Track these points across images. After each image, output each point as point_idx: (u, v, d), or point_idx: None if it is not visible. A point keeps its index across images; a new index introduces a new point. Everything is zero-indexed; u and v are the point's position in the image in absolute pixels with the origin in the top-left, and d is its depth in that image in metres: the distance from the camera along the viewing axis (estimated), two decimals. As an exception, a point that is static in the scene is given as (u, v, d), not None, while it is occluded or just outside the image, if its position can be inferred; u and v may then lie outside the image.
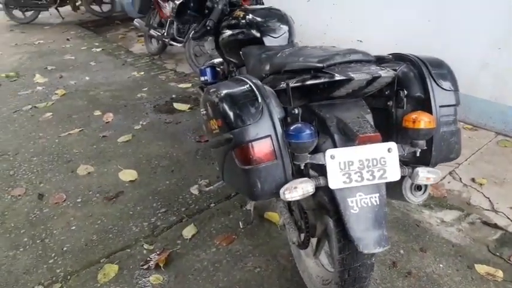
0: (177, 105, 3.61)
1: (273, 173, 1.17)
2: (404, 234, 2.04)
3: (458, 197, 2.36)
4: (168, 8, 4.68)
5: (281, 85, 1.33)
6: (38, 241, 2.06)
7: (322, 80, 1.18)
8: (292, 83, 1.25)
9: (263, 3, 2.38)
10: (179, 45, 4.55)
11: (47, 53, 5.39)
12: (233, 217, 2.19)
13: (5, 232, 2.13)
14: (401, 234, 2.04)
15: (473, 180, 2.49)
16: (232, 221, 2.16)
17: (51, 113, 3.53)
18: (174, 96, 3.88)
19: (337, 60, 1.22)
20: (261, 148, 1.16)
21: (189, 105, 3.61)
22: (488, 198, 2.33)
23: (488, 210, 2.23)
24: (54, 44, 5.84)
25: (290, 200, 1.15)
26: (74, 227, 2.15)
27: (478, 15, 2.90)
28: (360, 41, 3.83)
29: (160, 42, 5.01)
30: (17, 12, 6.98)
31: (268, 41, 1.91)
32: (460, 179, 2.51)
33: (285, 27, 1.96)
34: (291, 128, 1.14)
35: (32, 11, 7.07)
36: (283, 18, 1.99)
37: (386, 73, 1.17)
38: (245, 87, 1.25)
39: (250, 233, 2.07)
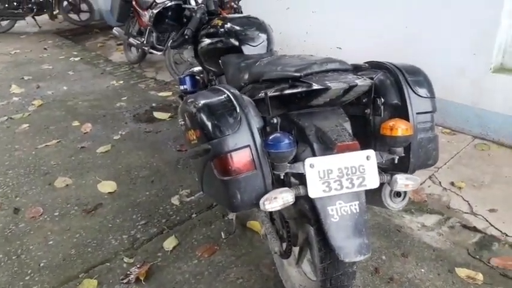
0: (157, 114, 3.58)
1: (252, 183, 1.16)
2: (386, 239, 2.05)
3: (438, 201, 2.38)
4: (147, 17, 4.65)
5: (259, 94, 1.32)
6: (13, 257, 2.00)
7: (299, 90, 1.18)
8: (271, 93, 1.25)
9: (242, 12, 2.39)
10: (159, 53, 4.52)
11: (24, 63, 5.29)
12: (215, 227, 2.17)
13: (-22, 249, 2.06)
14: (383, 240, 2.05)
15: (452, 184, 2.52)
16: (214, 232, 2.14)
17: (27, 124, 3.45)
18: (154, 105, 3.85)
19: (314, 69, 1.22)
20: (240, 158, 1.15)
21: (169, 114, 3.58)
22: (467, 201, 2.36)
23: (467, 213, 2.26)
24: (31, 54, 5.74)
25: (270, 210, 1.14)
26: (51, 242, 2.09)
27: (453, 22, 2.96)
28: (339, 48, 3.87)
29: (139, 50, 4.97)
30: (-7, 22, 6.86)
31: (247, 49, 1.91)
32: (440, 183, 2.54)
33: (263, 36, 1.96)
34: (270, 137, 1.14)
35: (8, 20, 6.95)
36: (261, 27, 1.99)
37: (362, 82, 1.18)
38: (223, 97, 1.24)
39: (233, 243, 2.05)
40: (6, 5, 6.66)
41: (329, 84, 1.13)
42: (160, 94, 4.14)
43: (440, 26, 3.04)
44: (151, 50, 4.60)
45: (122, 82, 4.53)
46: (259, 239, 2.07)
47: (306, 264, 1.69)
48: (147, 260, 1.95)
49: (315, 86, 1.14)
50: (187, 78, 2.31)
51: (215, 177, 1.20)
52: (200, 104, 1.24)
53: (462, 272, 1.84)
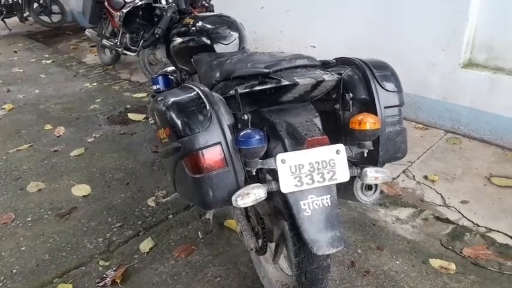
0: (132, 116, 3.54)
1: (224, 180, 1.16)
2: (361, 233, 2.08)
3: (412, 194, 2.43)
4: (118, 18, 4.59)
5: (230, 92, 1.32)
6: (-16, 265, 1.95)
7: (269, 86, 1.19)
8: (241, 89, 1.25)
9: (213, 11, 2.38)
10: (133, 54, 4.47)
11: (-7, 67, 5.15)
12: (192, 227, 2.16)
13: None
14: (358, 233, 2.08)
15: (425, 177, 2.57)
16: (191, 232, 2.13)
17: (-3, 129, 3.36)
18: (128, 106, 3.80)
19: (283, 65, 1.23)
20: (211, 156, 1.15)
21: (144, 115, 3.54)
22: (440, 194, 2.41)
23: (440, 205, 2.31)
24: (1, 57, 5.59)
25: (243, 206, 1.14)
26: (24, 248, 2.05)
27: (423, 18, 3.02)
28: (313, 46, 3.90)
29: (113, 52, 4.90)
30: (-40, 25, 6.66)
31: (218, 48, 1.91)
32: (414, 176, 2.59)
33: (235, 34, 1.96)
34: (241, 134, 1.14)
35: (-24, 23, 6.76)
36: (233, 25, 1.99)
37: (330, 77, 1.19)
38: (192, 94, 1.24)
39: (210, 242, 2.05)
40: (-26, 8, 6.49)
41: (297, 80, 1.14)
42: (135, 95, 4.09)
43: (411, 23, 3.10)
44: (125, 51, 4.55)
45: (95, 84, 4.45)
46: (236, 237, 2.06)
47: (282, 261, 1.70)
48: (123, 263, 1.92)
49: (284, 82, 1.15)
50: (160, 78, 2.29)
51: (187, 175, 1.19)
52: (169, 102, 1.23)
53: (436, 263, 1.88)
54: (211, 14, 2.25)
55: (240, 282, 1.81)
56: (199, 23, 1.99)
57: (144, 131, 3.28)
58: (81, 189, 2.50)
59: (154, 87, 2.29)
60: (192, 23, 2.03)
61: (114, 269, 1.88)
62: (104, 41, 4.84)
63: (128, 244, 2.05)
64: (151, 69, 4.34)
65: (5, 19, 6.84)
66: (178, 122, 1.17)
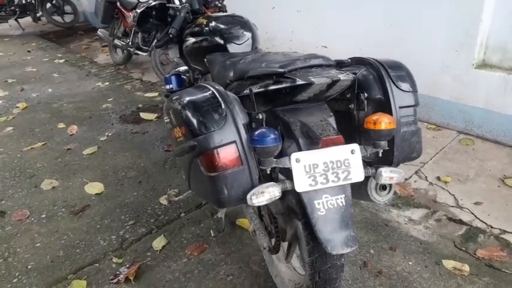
0: (144, 115, 3.56)
1: (239, 178, 1.17)
2: (374, 234, 2.07)
3: (425, 195, 2.41)
4: (132, 18, 4.63)
5: (245, 91, 1.33)
6: (0, 260, 1.97)
7: (284, 85, 1.19)
8: (255, 89, 1.25)
9: (226, 11, 2.39)
10: (144, 54, 4.51)
11: (7, 66, 5.22)
12: (204, 226, 2.17)
13: (-36, 253, 2.03)
14: (370, 234, 2.07)
15: (438, 178, 2.56)
16: (203, 230, 2.14)
17: (12, 127, 3.41)
18: (140, 105, 3.83)
19: (298, 65, 1.24)
20: (226, 154, 1.16)
21: (156, 115, 3.57)
22: (453, 195, 2.39)
23: (453, 206, 2.30)
24: (15, 56, 5.67)
25: (257, 205, 1.15)
26: (38, 244, 2.08)
27: (436, 19, 3.00)
28: (325, 46, 3.90)
29: (125, 51, 4.95)
30: (-25, 25, 6.76)
31: (232, 47, 1.91)
32: (426, 177, 2.57)
33: (248, 34, 1.96)
34: (256, 133, 1.15)
35: (-10, 23, 6.86)
36: (246, 25, 2.00)
37: (345, 76, 1.19)
38: (208, 93, 1.25)
39: (222, 241, 2.06)
40: (-11, 8, 6.58)
41: (312, 79, 1.14)
42: (147, 95, 4.12)
43: (424, 24, 3.08)
44: (137, 51, 4.59)
45: (107, 84, 4.50)
46: (248, 237, 2.07)
47: (295, 260, 1.70)
48: (136, 260, 1.94)
49: (299, 82, 1.16)
50: (173, 78, 2.31)
51: (202, 174, 1.20)
52: (185, 101, 1.24)
53: (449, 264, 1.87)
54: (224, 14, 2.26)
55: (252, 281, 1.82)
56: (213, 23, 2.00)
57: (156, 130, 3.30)
58: (94, 187, 2.53)
59: (168, 86, 2.31)
60: (205, 23, 2.04)
61: (127, 266, 1.90)
62: (116, 41, 4.88)
63: (141, 241, 2.07)
64: (163, 69, 4.37)
65: (18, 19, 6.93)
66: (194, 121, 1.18)
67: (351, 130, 1.39)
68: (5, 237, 2.13)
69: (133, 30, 4.60)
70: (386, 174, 1.26)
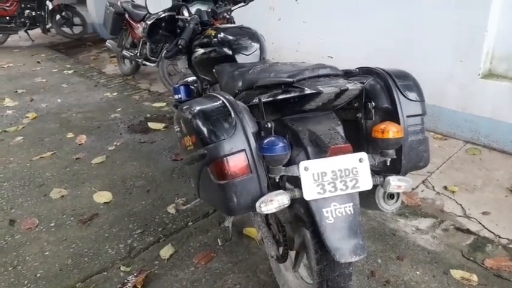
0: (152, 125, 3.60)
1: (248, 186, 1.18)
2: (381, 243, 2.07)
3: (432, 205, 2.41)
4: (140, 29, 4.69)
5: (254, 100, 1.35)
6: (9, 268, 1.99)
7: (292, 94, 1.21)
8: (264, 98, 1.27)
9: (234, 23, 2.42)
10: (152, 65, 4.56)
11: (17, 76, 5.30)
12: (211, 235, 2.18)
13: (-26, 261, 2.05)
14: (378, 243, 2.07)
15: (445, 188, 2.55)
16: (210, 239, 2.15)
17: (22, 137, 3.45)
18: (148, 115, 3.87)
19: (306, 75, 1.26)
20: (236, 162, 1.18)
21: (163, 124, 3.60)
22: (460, 204, 2.39)
23: (460, 216, 2.29)
24: (24, 67, 5.75)
25: (266, 212, 1.16)
26: (47, 252, 2.09)
27: (441, 30, 3.02)
28: (331, 57, 3.93)
29: (133, 62, 5.01)
30: (-15, 36, 6.87)
31: (240, 58, 1.94)
32: (433, 187, 2.57)
33: (256, 45, 1.99)
34: (265, 141, 1.16)
35: (1, 35, 6.97)
36: (254, 36, 2.03)
37: (353, 86, 1.21)
38: (218, 103, 1.27)
39: (229, 250, 2.06)
40: (-1, 20, 6.69)
41: (321, 89, 1.16)
42: (155, 105, 4.16)
43: (429, 34, 3.11)
44: (145, 62, 4.65)
45: (115, 94, 4.55)
46: (255, 246, 2.08)
47: (302, 269, 1.70)
48: (144, 268, 1.95)
49: (307, 91, 1.18)
50: (182, 88, 2.34)
51: (211, 182, 1.22)
52: (195, 110, 1.27)
53: (457, 274, 1.86)
54: (233, 25, 2.30)
55: (260, 289, 1.82)
56: (221, 34, 2.03)
57: (164, 140, 3.33)
58: (102, 196, 2.55)
59: (176, 96, 2.33)
60: (214, 34, 2.07)
61: (135, 274, 1.91)
62: (124, 52, 4.95)
63: (149, 250, 2.08)
64: (170, 79, 4.42)
65: (28, 30, 7.03)
66: (204, 130, 1.20)
67: (359, 139, 1.40)
68: (14, 245, 2.15)
69: (141, 41, 4.66)
70: (395, 182, 1.27)
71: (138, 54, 4.71)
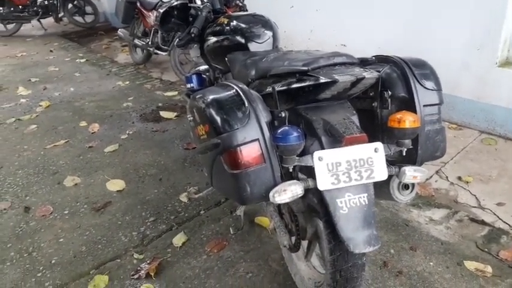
0: (164, 114, 3.60)
1: (262, 176, 1.18)
2: (394, 233, 2.06)
3: (446, 195, 2.38)
4: (152, 18, 4.68)
5: (267, 89, 1.34)
6: (25, 255, 2.02)
7: (307, 83, 1.20)
8: (278, 87, 1.26)
9: (247, 10, 2.40)
10: (164, 53, 4.55)
11: (30, 65, 5.33)
12: (223, 223, 2.18)
13: (-10, 247, 2.09)
14: (391, 234, 2.06)
15: (459, 178, 2.52)
16: (222, 228, 2.15)
17: (35, 125, 3.48)
18: (160, 104, 3.87)
19: (321, 63, 1.24)
20: (249, 152, 1.17)
21: (175, 113, 3.60)
22: (474, 195, 2.36)
23: (475, 207, 2.26)
24: (37, 56, 5.78)
25: (280, 202, 1.15)
26: (61, 239, 2.12)
27: (457, 17, 2.96)
28: (344, 45, 3.88)
29: (145, 51, 5.00)
30: (-1, 25, 6.92)
31: (253, 46, 1.92)
32: (447, 177, 2.54)
33: (269, 33, 1.97)
34: (279, 131, 1.15)
35: (14, 24, 7.01)
36: (267, 24, 2.00)
37: (369, 74, 1.19)
38: (231, 92, 1.26)
39: (241, 238, 2.07)
40: (12, 9, 6.72)
41: (336, 77, 1.14)
42: (167, 94, 4.16)
43: (444, 21, 3.04)
44: (157, 51, 4.64)
45: (128, 83, 4.56)
46: (267, 235, 2.08)
47: (314, 258, 1.70)
48: (157, 256, 1.97)
49: (323, 79, 1.16)
50: (194, 77, 2.33)
51: (225, 171, 1.21)
52: (209, 99, 1.26)
53: (471, 265, 1.84)
54: (245, 13, 2.27)
55: (272, 278, 1.82)
56: (234, 22, 2.01)
57: (176, 129, 3.33)
58: (115, 184, 2.57)
59: (188, 85, 2.33)
60: (226, 22, 2.05)
61: (148, 262, 1.93)
62: (136, 41, 4.94)
63: (161, 238, 2.10)
64: (182, 68, 4.41)
65: (40, 19, 7.06)
66: (218, 119, 1.19)
67: (374, 128, 1.38)
68: (29, 232, 2.18)
69: (152, 30, 4.65)
70: (410, 173, 1.25)
71: (149, 43, 4.70)
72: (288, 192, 1.15)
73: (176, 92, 4.18)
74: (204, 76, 2.43)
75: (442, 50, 3.08)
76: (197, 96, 1.33)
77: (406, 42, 3.21)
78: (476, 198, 2.34)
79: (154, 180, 2.62)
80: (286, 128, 1.16)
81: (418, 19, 3.20)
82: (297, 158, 1.18)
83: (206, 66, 2.48)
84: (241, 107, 1.20)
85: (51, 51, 6.07)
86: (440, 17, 3.05)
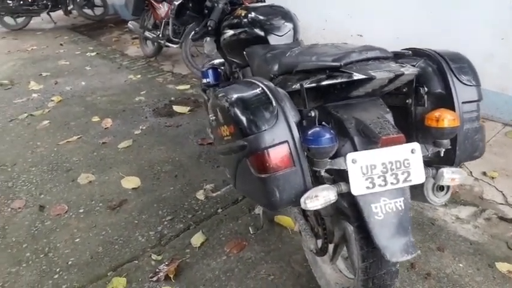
0: (177, 108, 3.54)
1: (291, 180, 1.10)
2: (420, 233, 1.98)
3: (470, 191, 2.30)
4: (162, 9, 4.60)
5: (293, 86, 1.26)
6: (41, 255, 1.98)
7: (339, 80, 1.11)
8: (307, 84, 1.18)
9: (264, 1, 2.31)
10: (175, 46, 4.48)
11: (41, 59, 5.29)
12: (242, 222, 2.12)
13: (6, 247, 2.05)
14: (417, 233, 1.98)
15: (484, 173, 2.43)
16: (241, 227, 2.09)
17: (48, 121, 3.44)
18: (173, 98, 3.80)
19: (353, 58, 1.15)
20: (278, 155, 1.09)
21: (188, 108, 3.53)
22: (501, 191, 2.27)
23: (502, 204, 2.18)
24: (48, 50, 5.74)
25: (312, 209, 1.08)
26: (77, 239, 2.08)
27: (479, 6, 2.84)
28: (360, 35, 3.77)
29: (155, 44, 4.94)
30: (8, 19, 6.88)
31: (273, 39, 1.84)
32: (471, 172, 2.45)
33: (289, 25, 1.88)
34: (309, 132, 1.07)
35: (24, 17, 6.98)
36: (287, 16, 1.91)
37: (408, 70, 1.10)
38: (257, 90, 1.18)
39: (261, 238, 2.01)
40: (21, 2, 6.68)
41: (373, 74, 1.05)
42: (179, 87, 4.09)
43: (466, 10, 2.93)
44: (168, 43, 4.57)
45: (139, 76, 4.49)
46: (288, 234, 2.02)
47: (340, 261, 1.63)
48: (176, 257, 1.91)
49: (357, 76, 1.07)
50: (210, 71, 2.25)
51: (251, 174, 1.14)
52: (233, 98, 1.18)
53: (503, 267, 1.77)
54: (263, 4, 2.18)
55: (294, 281, 1.76)
56: (252, 14, 1.93)
57: (189, 124, 3.27)
58: (130, 182, 2.52)
59: (205, 80, 2.25)
60: (244, 14, 1.96)
61: (166, 263, 1.88)
62: (147, 33, 4.88)
63: (179, 238, 2.05)
64: (194, 60, 4.33)
65: (50, 13, 7.02)
66: (244, 120, 1.12)
67: (407, 127, 1.30)
68: (45, 232, 2.14)
69: (163, 22, 4.58)
70: (448, 175, 1.17)
71: (160, 35, 4.64)
72: (320, 198, 1.07)
73: (188, 86, 4.10)
74: (220, 70, 2.35)
75: (464, 40, 2.94)
76: (220, 95, 1.26)
77: (426, 32, 3.09)
78: (503, 194, 2.25)
79: (170, 177, 2.56)
80: (318, 129, 1.08)
81: (438, 7, 3.08)
82: (329, 160, 1.10)
83: (221, 60, 2.40)
84: (269, 106, 1.12)
85: (61, 44, 6.02)
86: (463, 6, 2.93)
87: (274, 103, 1.13)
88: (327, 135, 1.05)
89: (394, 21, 3.38)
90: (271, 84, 1.20)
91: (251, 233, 2.03)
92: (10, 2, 6.61)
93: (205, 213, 2.21)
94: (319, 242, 1.45)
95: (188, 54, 4.29)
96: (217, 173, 2.55)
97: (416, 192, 1.28)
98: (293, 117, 1.13)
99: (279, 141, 1.09)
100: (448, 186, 1.27)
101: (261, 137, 1.09)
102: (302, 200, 1.07)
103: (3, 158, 2.89)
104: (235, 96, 1.19)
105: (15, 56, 5.49)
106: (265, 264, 1.85)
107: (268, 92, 1.16)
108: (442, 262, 1.81)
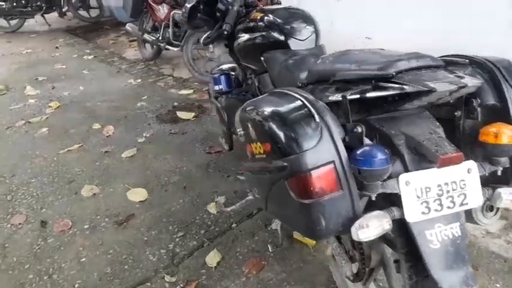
0: (181, 114, 3.40)
1: (338, 206, 0.97)
2: (450, 249, 1.86)
3: (495, 202, 2.18)
4: (162, 12, 4.47)
5: (330, 97, 1.13)
6: (45, 277, 1.84)
7: (392, 92, 0.99)
8: (349, 95, 1.05)
9: (280, 3, 2.19)
10: (176, 49, 4.35)
11: (36, 63, 5.14)
12: (259, 239, 2.00)
13: (7, 268, 1.90)
14: (446, 249, 1.86)
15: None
16: (258, 244, 1.97)
17: (46, 128, 3.29)
18: (176, 104, 3.66)
19: (402, 67, 1.02)
20: (323, 177, 0.96)
21: (193, 114, 3.40)
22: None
23: (531, 216, 2.07)
24: (43, 53, 5.58)
25: (365, 240, 0.95)
26: (84, 259, 1.94)
27: (494, 3, 2.73)
28: (369, 38, 3.65)
29: (155, 47, 4.81)
30: (1, 21, 6.71)
31: (293, 44, 1.72)
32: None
33: (311, 29, 1.77)
34: (359, 151, 0.95)
35: (17, 19, 6.81)
36: (308, 19, 1.80)
37: (472, 82, 0.98)
38: (296, 103, 1.05)
39: (281, 257, 1.88)
40: (15, 4, 6.52)
41: (433, 86, 0.93)
42: (181, 92, 3.96)
43: (479, 9, 2.81)
44: (168, 46, 4.45)
45: (139, 80, 4.35)
46: (309, 252, 1.89)
47: (372, 285, 1.51)
48: (191, 279, 1.78)
49: (414, 88, 0.95)
50: (223, 78, 2.13)
51: (290, 198, 1.01)
52: (268, 113, 1.05)
53: (543, 287, 1.65)
54: (282, 6, 2.06)
55: (321, 304, 1.64)
56: (270, 17, 1.80)
57: (195, 131, 3.14)
58: (137, 194, 2.38)
59: (217, 87, 2.13)
60: (260, 17, 1.84)
61: (181, 286, 1.75)
62: (145, 36, 4.75)
63: (193, 257, 1.91)
64: (195, 64, 4.20)
65: (44, 14, 6.85)
66: (283, 137, 0.99)
67: (454, 142, 1.17)
68: (48, 250, 2.00)
69: (163, 25, 4.45)
70: (506, 196, 1.05)
71: (160, 38, 4.51)
72: (372, 228, 0.94)
73: (192, 91, 3.97)
74: (231, 76, 2.23)
75: (478, 41, 2.83)
76: (249, 108, 1.13)
77: (437, 33, 2.98)
78: (530, 205, 2.13)
79: (178, 189, 2.42)
80: (368, 148, 0.95)
81: (451, 8, 2.97)
82: (380, 183, 0.98)
83: (231, 65, 2.29)
84: (311, 122, 0.99)
85: (56, 47, 5.87)
86: (475, 5, 2.82)
87: (317, 118, 1.00)
88: (381, 156, 0.92)
89: (404, 23, 3.26)
90: (310, 96, 1.07)
91: (270, 250, 1.90)
92: (3, 3, 6.44)
93: (219, 229, 2.08)
94: (354, 267, 1.33)
95: (190, 58, 4.16)
96: (228, 184, 2.43)
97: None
98: (338, 134, 1.00)
99: (324, 162, 0.96)
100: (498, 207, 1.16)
101: (303, 157, 0.96)
102: (353, 229, 0.94)
103: (1, 168, 2.74)
104: (270, 109, 1.06)
105: (10, 59, 5.32)
106: (287, 286, 1.72)
107: (308, 105, 1.03)
108: (478, 282, 1.69)
